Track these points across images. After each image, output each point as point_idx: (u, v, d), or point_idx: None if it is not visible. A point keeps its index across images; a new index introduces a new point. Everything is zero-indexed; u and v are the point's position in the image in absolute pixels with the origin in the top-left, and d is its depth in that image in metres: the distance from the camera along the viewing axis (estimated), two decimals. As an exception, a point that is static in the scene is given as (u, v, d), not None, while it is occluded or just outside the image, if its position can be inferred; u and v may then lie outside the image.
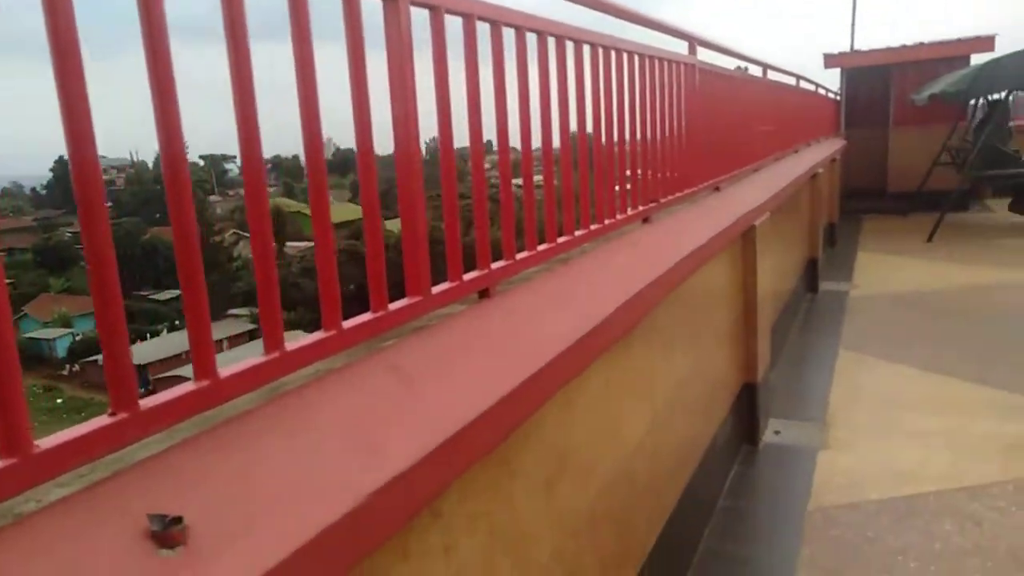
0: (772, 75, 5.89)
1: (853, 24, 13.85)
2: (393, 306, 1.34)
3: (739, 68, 5.99)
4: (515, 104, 1.80)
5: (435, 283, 1.49)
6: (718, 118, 3.91)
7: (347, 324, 1.23)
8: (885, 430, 3.98)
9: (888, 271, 7.85)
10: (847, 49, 12.93)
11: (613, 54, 2.39)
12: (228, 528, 0.83)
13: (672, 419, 2.63)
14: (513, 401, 1.31)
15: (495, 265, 1.71)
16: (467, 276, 1.60)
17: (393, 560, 1.11)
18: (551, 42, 1.96)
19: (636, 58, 2.60)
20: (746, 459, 3.78)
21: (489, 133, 1.72)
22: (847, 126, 12.49)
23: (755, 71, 5.35)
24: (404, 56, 1.35)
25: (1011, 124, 10.44)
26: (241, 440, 0.98)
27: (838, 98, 12.34)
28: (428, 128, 1.59)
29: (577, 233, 2.16)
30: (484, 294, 1.68)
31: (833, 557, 2.88)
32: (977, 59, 10.47)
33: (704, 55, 3.61)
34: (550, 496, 1.67)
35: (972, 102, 10.81)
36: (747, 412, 3.87)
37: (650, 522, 2.40)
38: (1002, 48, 11.14)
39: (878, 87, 12.26)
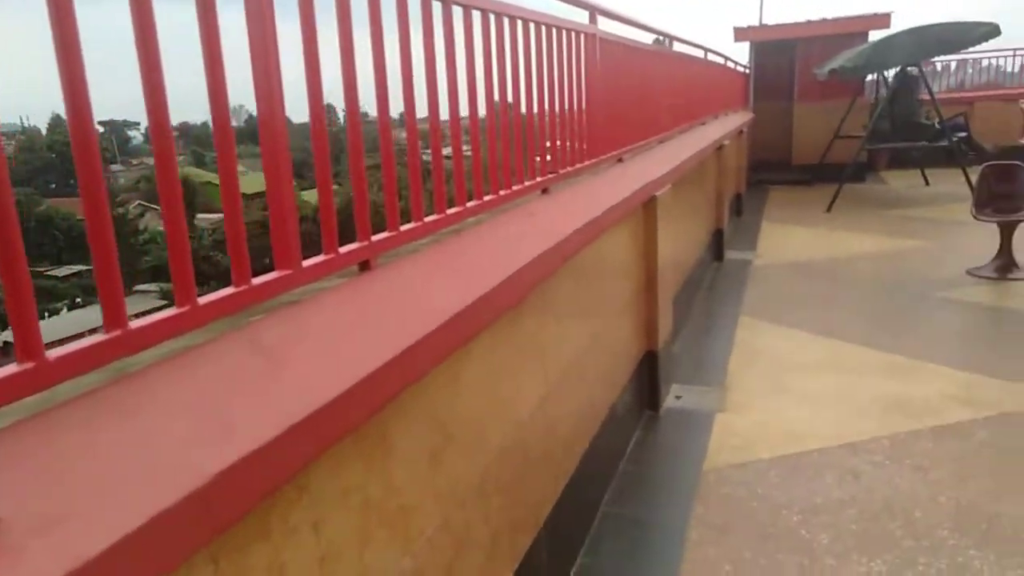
0: (682, 48, 5.99)
1: (762, -1, 14.24)
2: (258, 280, 1.29)
3: (658, 41, 6.05)
4: (398, 71, 1.75)
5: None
6: (621, 89, 3.94)
7: (204, 300, 1.18)
8: (778, 392, 4.18)
9: (789, 240, 8.20)
10: (756, 23, 13.28)
11: (506, 21, 2.36)
12: (46, 518, 0.78)
13: (568, 388, 2.67)
14: (385, 374, 1.29)
15: (377, 237, 1.67)
16: (345, 248, 1.56)
17: (251, 539, 1.08)
18: (437, 7, 1.91)
19: (532, 26, 2.58)
20: (648, 424, 3.90)
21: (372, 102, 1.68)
22: (756, 99, 12.87)
23: (677, 45, 5.42)
24: (265, 19, 1.29)
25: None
26: (72, 424, 0.92)
27: (748, 71, 12.70)
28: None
29: (469, 204, 2.14)
30: (365, 267, 1.64)
31: (723, 514, 3.01)
32: (876, 35, 10.94)
33: (612, 26, 3.63)
34: (435, 468, 1.67)
35: (871, 77, 11.33)
36: (649, 379, 3.98)
37: (546, 490, 2.44)
38: (898, 25, 11.71)
39: (784, 61, 12.69)
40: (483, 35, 2.21)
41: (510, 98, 2.44)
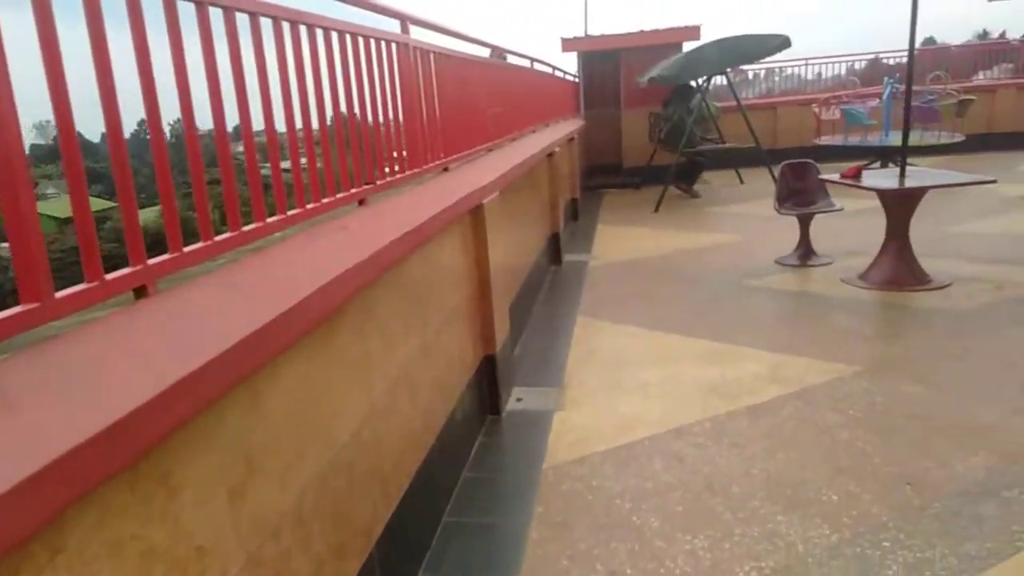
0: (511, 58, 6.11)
1: (586, 9, 14.95)
2: (-6, 316, 1.14)
3: (498, 55, 6.13)
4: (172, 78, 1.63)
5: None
6: (444, 98, 3.95)
7: (-84, 343, 1.02)
8: (612, 386, 4.36)
9: (622, 240, 8.61)
10: (582, 34, 13.89)
11: (304, 29, 2.28)
12: None
13: (398, 401, 2.62)
14: (153, 410, 1.18)
15: (155, 259, 1.54)
16: (114, 274, 1.42)
17: (-15, 615, 0.94)
18: (216, 13, 1.80)
19: (334, 35, 2.51)
20: (490, 429, 3.92)
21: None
22: (586, 107, 13.45)
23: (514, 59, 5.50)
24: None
25: (717, 105, 11.95)
26: None
27: (577, 80, 13.25)
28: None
29: (270, 220, 2.04)
30: (141, 293, 1.51)
31: (563, 511, 3.08)
32: (688, 46, 11.79)
33: (453, 41, 3.62)
34: (237, 501, 1.56)
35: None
36: (489, 383, 4.01)
37: (377, 509, 2.38)
38: (707, 36, 12.70)
39: (610, 70, 13.37)
40: (276, 43, 2.12)
41: (314, 108, 2.35)
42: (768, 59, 11.90)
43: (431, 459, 2.98)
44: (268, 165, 2.22)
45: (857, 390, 4.03)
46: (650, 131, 11.74)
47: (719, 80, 11.84)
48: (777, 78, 16.96)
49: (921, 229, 6.21)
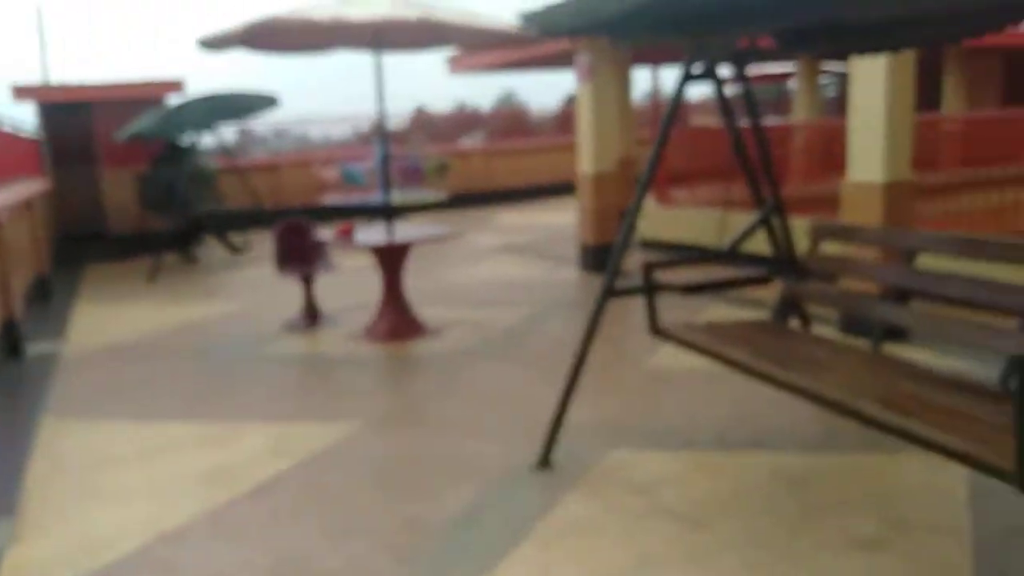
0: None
1: (43, 55, 12.96)
2: None
3: None
4: None
5: None
6: None
7: None
8: (88, 498, 3.57)
9: (109, 320, 7.43)
10: (40, 81, 11.93)
11: None
12: None
13: None
14: None
15: None
16: None
17: None
18: None
19: None
20: None
21: None
22: (55, 166, 11.53)
23: None
24: None
25: (213, 165, 11.45)
26: None
27: (38, 136, 11.29)
28: None
29: None
30: None
31: None
32: (174, 100, 11.04)
33: None
34: None
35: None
36: None
37: None
38: (192, 90, 12.16)
39: (82, 124, 11.70)
40: None
41: None
42: (275, 119, 12.01)
43: None
44: None
45: (360, 445, 4.06)
46: (140, 196, 10.62)
47: (207, 139, 11.35)
48: (287, 138, 17.29)
49: (417, 280, 6.77)
